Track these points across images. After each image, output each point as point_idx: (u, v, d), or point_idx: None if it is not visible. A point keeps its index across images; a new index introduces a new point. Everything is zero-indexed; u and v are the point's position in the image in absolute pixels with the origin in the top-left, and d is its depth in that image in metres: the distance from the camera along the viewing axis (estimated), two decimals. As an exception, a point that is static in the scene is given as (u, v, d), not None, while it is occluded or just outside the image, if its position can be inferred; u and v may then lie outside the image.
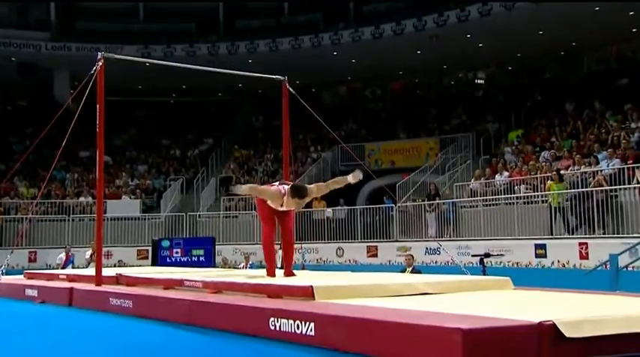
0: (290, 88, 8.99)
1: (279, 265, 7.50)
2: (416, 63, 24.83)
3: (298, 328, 4.56)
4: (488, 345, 3.59)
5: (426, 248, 16.26)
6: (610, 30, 20.54)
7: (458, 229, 16.89)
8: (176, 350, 4.84)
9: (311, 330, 4.47)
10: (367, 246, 17.92)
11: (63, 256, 15.90)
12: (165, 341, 5.18)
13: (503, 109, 23.36)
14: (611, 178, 14.36)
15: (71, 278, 8.61)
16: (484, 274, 10.11)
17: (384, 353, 3.97)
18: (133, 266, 15.93)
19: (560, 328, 3.70)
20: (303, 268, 13.04)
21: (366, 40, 23.07)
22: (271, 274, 6.88)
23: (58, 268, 14.86)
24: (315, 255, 18.20)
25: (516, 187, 16.35)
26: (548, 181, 15.13)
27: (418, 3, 22.60)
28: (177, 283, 6.81)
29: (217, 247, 17.74)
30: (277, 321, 4.75)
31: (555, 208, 14.51)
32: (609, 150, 15.42)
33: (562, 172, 15.13)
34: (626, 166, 14.27)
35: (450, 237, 16.70)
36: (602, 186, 14.01)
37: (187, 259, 16.74)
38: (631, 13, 19.45)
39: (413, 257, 12.52)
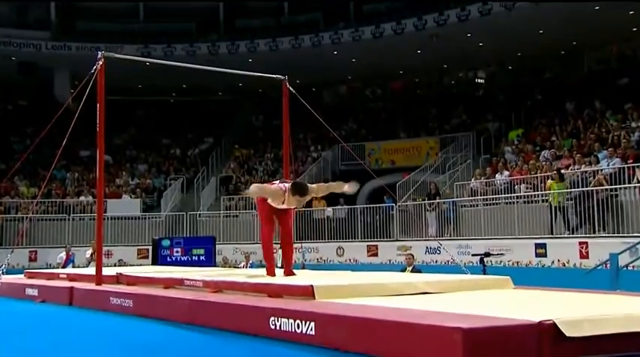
0: (290, 88, 8.98)
1: (278, 265, 7.49)
2: (416, 62, 24.83)
3: (298, 327, 4.56)
4: (488, 344, 3.59)
5: (427, 247, 16.27)
6: (610, 29, 20.54)
7: (458, 228, 16.90)
8: (176, 349, 4.84)
9: (311, 329, 4.47)
10: (367, 245, 17.92)
11: (63, 255, 15.90)
12: (165, 340, 5.18)
13: (503, 108, 23.36)
14: (612, 177, 14.36)
15: (71, 277, 8.61)
16: (484, 274, 10.11)
17: (384, 352, 3.97)
18: (133, 265, 15.94)
19: (560, 327, 3.70)
20: (304, 267, 13.06)
21: (366, 39, 23.07)
22: (271, 273, 6.89)
23: (58, 268, 14.86)
24: (316, 254, 18.20)
25: (516, 186, 16.36)
26: (549, 181, 15.13)
27: (418, 2, 22.59)
28: (178, 283, 6.81)
29: (218, 247, 17.73)
30: (277, 320, 4.75)
31: (555, 208, 14.51)
32: (609, 149, 15.43)
33: (562, 171, 15.12)
34: (626, 166, 14.27)
35: (450, 236, 16.71)
36: (603, 185, 14.01)
37: (188, 259, 16.74)
38: (631, 12, 19.44)
39: (413, 256, 12.52)
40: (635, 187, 13.66)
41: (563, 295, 5.59)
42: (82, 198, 21.23)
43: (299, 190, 6.67)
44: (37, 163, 22.39)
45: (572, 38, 21.89)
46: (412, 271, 11.28)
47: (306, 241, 17.37)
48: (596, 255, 12.79)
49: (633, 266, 11.70)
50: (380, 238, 17.98)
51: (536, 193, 15.64)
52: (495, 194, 16.60)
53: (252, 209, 18.91)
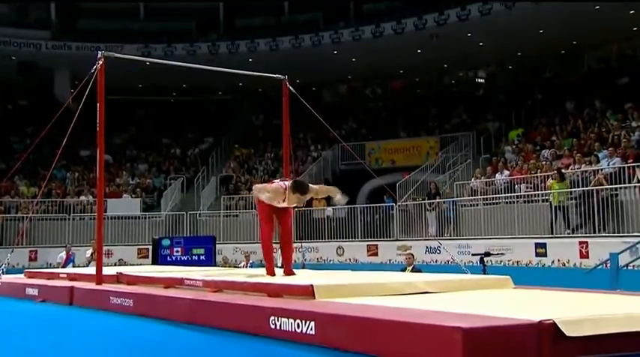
0: (290, 87, 8.98)
1: (278, 265, 7.50)
2: (416, 62, 24.84)
3: (298, 327, 4.56)
4: (488, 344, 3.59)
5: (427, 247, 16.27)
6: (610, 29, 20.54)
7: (458, 228, 16.90)
8: (176, 349, 4.84)
9: (311, 329, 4.47)
10: (367, 245, 17.93)
11: (63, 255, 15.90)
12: (165, 340, 5.18)
13: (503, 108, 23.36)
14: (612, 176, 14.36)
15: (72, 277, 8.61)
16: (484, 273, 10.12)
17: (384, 352, 3.97)
18: (133, 265, 15.94)
19: (560, 327, 3.70)
20: (304, 267, 13.05)
21: (366, 39, 23.08)
22: (271, 272, 6.90)
23: (58, 267, 14.87)
24: (316, 254, 18.21)
25: (517, 186, 16.36)
26: (550, 180, 15.14)
27: (418, 2, 22.59)
28: (178, 282, 6.81)
29: (218, 246, 17.75)
30: (278, 320, 4.75)
31: (556, 207, 14.51)
32: (610, 149, 15.44)
33: (563, 171, 15.12)
34: (626, 165, 14.27)
35: (450, 236, 16.71)
36: (603, 185, 14.01)
37: (188, 258, 16.75)
38: (631, 11, 19.45)
39: (413, 256, 12.51)
40: (635, 186, 13.66)
41: (563, 295, 5.60)
42: (82, 197, 21.23)
43: (299, 188, 6.69)
44: (37, 163, 22.39)
45: (572, 38, 21.90)
46: (412, 271, 11.27)
47: (306, 241, 17.38)
48: (596, 254, 12.79)
49: (633, 266, 11.69)
50: (380, 237, 17.99)
51: (536, 192, 15.64)
52: (495, 194, 16.60)
53: (252, 209, 18.91)
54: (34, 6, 26.47)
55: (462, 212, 17.07)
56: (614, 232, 13.38)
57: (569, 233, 14.21)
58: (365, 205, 19.35)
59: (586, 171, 14.99)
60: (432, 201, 17.60)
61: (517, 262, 14.50)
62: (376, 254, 17.66)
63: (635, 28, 20.93)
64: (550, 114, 20.83)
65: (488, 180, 17.47)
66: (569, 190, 14.65)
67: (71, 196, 21.46)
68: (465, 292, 5.74)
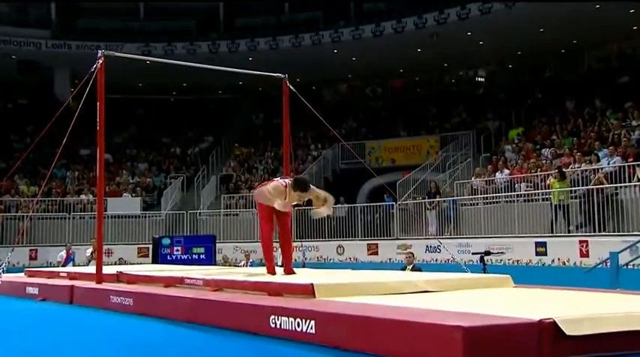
0: (290, 86, 8.98)
1: (279, 263, 7.51)
2: (416, 61, 24.83)
3: (299, 325, 4.56)
4: (488, 343, 3.59)
5: (427, 246, 16.27)
6: (611, 28, 20.53)
7: (458, 226, 16.90)
8: (177, 348, 4.84)
9: (311, 328, 4.48)
10: (368, 244, 17.93)
11: (63, 253, 15.91)
12: (165, 339, 5.18)
13: (503, 107, 23.35)
14: (612, 176, 14.36)
15: (72, 276, 8.61)
16: (484, 272, 10.12)
17: (384, 351, 3.97)
18: (133, 264, 15.94)
19: (560, 325, 3.71)
20: (304, 266, 13.05)
21: (366, 38, 23.07)
22: (271, 271, 6.91)
23: (58, 266, 14.87)
24: (316, 253, 18.21)
25: (517, 184, 16.36)
26: (551, 179, 15.14)
27: (419, 1, 22.57)
28: (178, 281, 6.81)
29: (218, 245, 17.77)
30: (278, 319, 4.75)
31: (556, 206, 14.51)
32: (610, 148, 15.44)
33: (563, 170, 15.12)
34: (626, 164, 14.27)
35: (450, 235, 16.71)
36: (603, 184, 14.01)
37: (188, 257, 16.77)
38: (632, 10, 19.44)
39: (413, 255, 12.50)
40: (635, 185, 13.66)
41: (563, 294, 5.60)
42: (82, 196, 21.23)
43: (300, 185, 6.72)
44: (38, 162, 22.39)
45: (572, 37, 21.88)
46: (412, 270, 11.26)
47: (306, 240, 17.37)
48: (596, 253, 12.78)
49: (633, 265, 11.69)
50: (380, 236, 17.99)
51: (536, 191, 15.64)
52: (495, 193, 16.60)
53: (252, 208, 18.91)
54: (35, 5, 26.46)
55: (462, 211, 17.07)
56: (614, 231, 13.37)
57: (572, 231, 14.17)
58: (365, 204, 19.35)
59: (586, 170, 14.99)
60: (432, 200, 17.60)
61: (517, 261, 14.50)
62: (376, 253, 17.66)
63: (635, 27, 20.92)
64: (550, 113, 20.82)
65: (488, 179, 17.47)
66: (570, 188, 14.65)
67: (71, 195, 21.46)
68: (465, 291, 5.74)
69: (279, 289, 5.65)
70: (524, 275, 9.11)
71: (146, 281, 7.35)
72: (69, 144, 9.88)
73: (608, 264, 11.54)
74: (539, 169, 16.46)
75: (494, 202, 16.34)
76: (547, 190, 15.12)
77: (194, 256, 16.89)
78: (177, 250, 16.98)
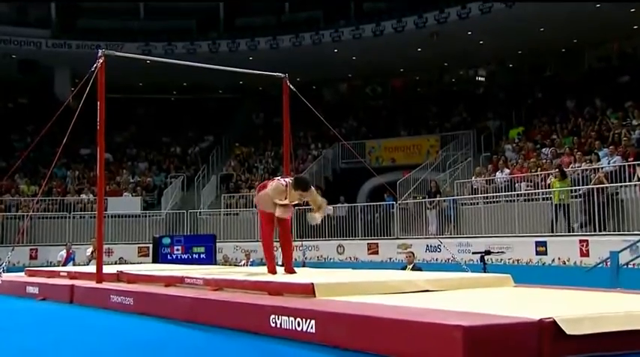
0: (290, 86, 8.98)
1: (279, 263, 7.52)
2: (417, 60, 24.82)
3: (299, 325, 4.57)
4: (488, 342, 3.59)
5: (427, 245, 16.27)
6: (611, 27, 20.53)
7: (458, 226, 16.89)
8: (177, 347, 4.84)
9: (312, 327, 4.48)
10: (368, 243, 17.92)
11: (64, 253, 15.92)
12: (166, 338, 5.18)
13: (503, 106, 23.35)
14: (612, 175, 14.35)
15: (72, 275, 8.61)
16: (485, 272, 10.11)
17: (384, 350, 3.97)
18: (133, 263, 15.95)
19: (560, 325, 3.71)
20: (304, 265, 13.05)
21: (366, 37, 23.07)
22: (271, 271, 6.91)
23: (58, 266, 14.88)
24: (316, 252, 18.20)
25: (517, 184, 16.35)
26: (551, 178, 15.13)
27: (419, 0, 22.57)
28: (178, 281, 6.81)
29: (218, 245, 17.77)
30: (278, 318, 4.75)
31: (556, 206, 14.51)
32: (610, 147, 15.44)
33: (564, 169, 15.12)
34: (626, 164, 14.26)
35: (450, 234, 16.71)
36: (603, 183, 14.00)
37: (188, 257, 16.77)
38: (632, 10, 19.43)
39: (413, 254, 12.52)
40: (635, 185, 13.65)
41: (563, 293, 5.61)
42: (82, 196, 21.23)
43: (301, 184, 6.73)
44: (38, 161, 22.40)
45: (572, 36, 21.88)
46: (413, 269, 11.26)
47: (306, 239, 17.36)
48: (596, 253, 12.78)
49: (634, 264, 11.69)
50: (380, 236, 17.99)
51: (536, 191, 15.64)
52: (496, 192, 16.59)
53: (252, 207, 18.91)
54: (35, 5, 26.44)
55: (463, 211, 17.06)
56: (615, 231, 13.37)
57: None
58: (365, 204, 19.35)
59: (586, 169, 14.99)
60: (432, 199, 17.60)
61: (517, 260, 14.49)
62: (377, 253, 17.66)
63: (635, 27, 20.91)
64: (550, 112, 20.82)
65: (488, 178, 17.46)
66: (571, 188, 14.64)
67: (71, 194, 21.46)
68: (466, 290, 5.74)
69: (280, 288, 5.65)
70: (525, 275, 9.11)
71: (146, 281, 7.35)
72: (69, 143, 9.88)
73: (609, 263, 11.54)
74: (539, 169, 16.45)
75: (494, 202, 16.33)
76: (547, 190, 15.12)
77: (194, 255, 16.89)
78: (178, 250, 16.98)
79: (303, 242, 16.11)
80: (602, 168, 14.69)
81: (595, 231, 13.71)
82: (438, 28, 21.91)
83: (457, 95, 25.81)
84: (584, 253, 13.33)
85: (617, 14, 19.53)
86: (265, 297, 5.50)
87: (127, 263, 16.37)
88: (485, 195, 16.74)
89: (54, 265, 15.49)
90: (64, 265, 15.11)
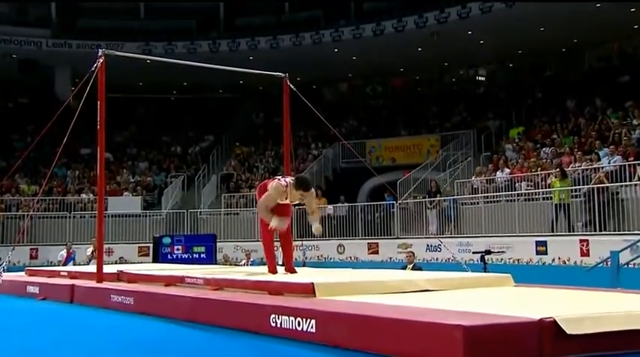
0: (291, 85, 8.98)
1: (279, 262, 7.52)
2: (417, 60, 24.82)
3: (299, 325, 4.57)
4: (489, 341, 3.59)
5: (427, 245, 16.27)
6: (611, 27, 20.52)
7: (459, 226, 16.89)
8: (177, 347, 4.84)
9: (312, 327, 4.48)
10: (368, 243, 17.92)
11: (64, 253, 15.92)
12: (166, 338, 5.18)
13: (504, 106, 23.34)
14: (612, 174, 14.35)
15: (72, 275, 8.62)
16: (485, 271, 10.11)
17: (385, 350, 3.98)
18: (134, 263, 15.95)
19: (561, 324, 3.71)
20: (304, 265, 13.06)
21: (366, 36, 23.07)
22: (272, 270, 6.91)
23: (59, 265, 14.88)
24: (316, 252, 18.20)
25: (517, 183, 16.35)
26: (552, 178, 15.12)
27: (419, 0, 22.57)
28: (179, 280, 6.82)
29: (218, 244, 17.76)
30: (278, 318, 4.75)
31: (556, 205, 14.50)
32: (610, 147, 15.44)
33: (565, 169, 15.12)
34: (627, 163, 14.26)
35: (450, 234, 16.71)
36: (603, 183, 14.00)
37: (188, 256, 16.76)
38: (632, 9, 19.42)
39: (414, 254, 12.52)
40: (635, 184, 13.65)
41: (563, 293, 5.61)
42: (82, 196, 21.23)
43: (302, 184, 6.74)
44: (38, 161, 22.39)
45: (572, 36, 21.87)
46: (413, 269, 11.26)
47: (306, 239, 17.35)
48: (596, 252, 12.77)
49: (634, 264, 11.69)
50: (380, 235, 17.98)
51: (536, 190, 15.63)
52: (496, 192, 16.59)
53: (252, 207, 18.91)
54: (35, 5, 26.45)
55: (463, 210, 17.06)
56: (615, 230, 13.36)
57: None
58: (365, 203, 19.35)
59: (587, 169, 14.99)
60: (432, 199, 17.60)
61: (518, 260, 14.49)
62: (377, 252, 17.65)
63: (635, 27, 20.90)
64: (551, 112, 20.81)
65: (488, 178, 17.46)
66: (571, 188, 14.64)
67: (72, 194, 21.46)
68: (466, 290, 5.75)
69: (280, 288, 5.65)
70: (525, 274, 9.12)
71: (147, 280, 7.35)
72: (69, 143, 9.88)
73: (609, 263, 11.53)
74: (539, 169, 16.45)
75: (494, 201, 16.33)
76: (547, 190, 15.12)
77: (195, 255, 16.89)
78: (178, 249, 16.97)
79: (304, 242, 16.11)
80: (602, 168, 14.69)
81: (595, 231, 13.71)
82: (439, 28, 21.91)
83: (457, 95, 25.81)
84: (585, 253, 13.33)
85: (618, 14, 19.53)
86: (265, 297, 5.50)
87: (128, 263, 16.38)
88: (486, 195, 16.74)
89: (54, 265, 15.50)
90: (65, 264, 15.11)
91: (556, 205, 14.52)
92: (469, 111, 24.11)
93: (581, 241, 13.54)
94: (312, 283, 5.26)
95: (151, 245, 18.19)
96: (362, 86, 29.25)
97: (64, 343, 5.01)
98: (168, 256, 16.66)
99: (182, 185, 23.13)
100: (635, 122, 16.80)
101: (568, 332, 3.70)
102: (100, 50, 8.14)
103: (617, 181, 14.09)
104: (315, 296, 5.16)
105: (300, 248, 15.59)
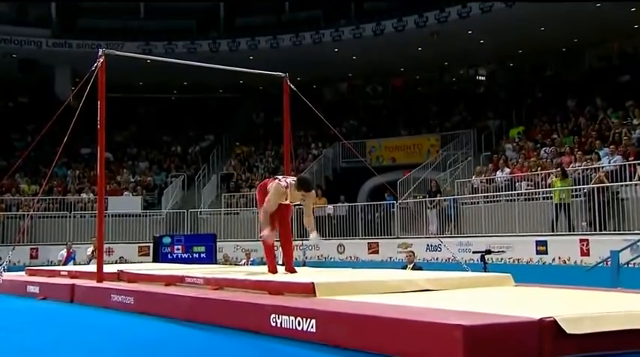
0: (291, 85, 8.98)
1: (279, 262, 7.52)
2: (417, 59, 24.82)
3: (299, 324, 4.57)
4: (489, 341, 3.59)
5: (427, 245, 16.26)
6: (611, 26, 20.52)
7: (459, 225, 16.89)
8: (177, 347, 4.84)
9: (312, 327, 4.48)
10: (368, 243, 17.92)
11: (64, 252, 15.91)
12: (166, 338, 5.18)
13: (504, 105, 23.34)
14: (613, 174, 14.35)
15: (73, 275, 8.62)
16: (485, 271, 10.11)
17: (385, 350, 3.98)
18: (134, 263, 15.95)
19: (561, 324, 3.71)
20: (304, 264, 13.07)
21: (367, 36, 23.07)
22: (272, 270, 6.92)
23: (59, 265, 14.88)
24: (316, 252, 18.20)
25: (517, 183, 16.34)
26: (552, 178, 15.12)
27: (419, -1, 22.61)
28: (179, 280, 6.82)
29: (218, 244, 17.76)
30: (278, 317, 4.75)
31: (557, 205, 14.50)
32: (611, 146, 15.44)
33: (565, 168, 15.12)
34: (627, 163, 14.26)
35: (451, 234, 16.70)
36: (603, 182, 14.00)
37: (188, 256, 16.76)
38: (632, 9, 19.42)
39: (414, 254, 12.52)
40: (636, 184, 13.65)
41: (563, 293, 5.61)
42: (83, 195, 21.23)
43: (304, 185, 6.74)
44: (38, 161, 22.40)
45: (573, 35, 21.87)
46: (413, 269, 11.26)
47: (307, 239, 17.32)
48: (597, 252, 12.77)
49: (634, 264, 11.69)
50: (381, 235, 17.98)
51: (537, 190, 15.63)
52: (496, 191, 16.59)
53: (252, 206, 18.91)
54: (35, 4, 26.45)
55: (463, 210, 17.06)
56: (615, 230, 13.36)
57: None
58: (366, 203, 19.34)
59: (587, 168, 14.99)
60: (432, 199, 17.60)
61: (518, 259, 14.49)
62: (377, 252, 17.65)
63: (636, 26, 20.90)
64: (551, 112, 20.81)
65: (489, 178, 17.46)
66: (572, 187, 14.64)
67: (72, 193, 21.46)
68: (466, 289, 5.74)
69: (280, 287, 5.65)
70: (525, 274, 9.11)
71: (147, 280, 7.36)
72: (70, 143, 9.89)
73: (609, 263, 11.53)
74: (539, 168, 16.45)
75: (494, 201, 16.33)
76: (547, 189, 15.12)
77: (195, 254, 16.89)
78: (178, 249, 16.97)
79: (304, 242, 16.11)
80: (602, 167, 14.68)
81: (596, 230, 13.71)
82: (439, 28, 21.91)
83: (457, 94, 25.81)
84: (585, 253, 13.32)
85: (618, 13, 19.53)
86: (266, 296, 5.50)
87: (128, 262, 16.40)
88: (486, 194, 16.74)
89: (54, 265, 15.50)
90: (65, 264, 15.11)
91: (556, 204, 14.52)
92: (469, 111, 24.11)
93: (581, 240, 13.54)
94: (313, 283, 5.26)
95: (151, 245, 18.19)
96: (362, 86, 29.26)
97: (64, 343, 5.01)
98: (169, 256, 16.67)
99: (182, 185, 23.14)
100: (635, 122, 16.79)
101: (568, 332, 3.70)
102: (100, 50, 8.14)
103: (617, 181, 14.09)
104: (315, 296, 5.16)
105: (301, 248, 15.60)
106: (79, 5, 26.80)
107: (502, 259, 14.05)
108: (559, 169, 15.22)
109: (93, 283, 7.59)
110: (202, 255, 16.89)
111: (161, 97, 29.20)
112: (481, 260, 11.13)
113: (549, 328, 3.70)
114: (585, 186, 14.34)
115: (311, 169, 22.20)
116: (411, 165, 21.09)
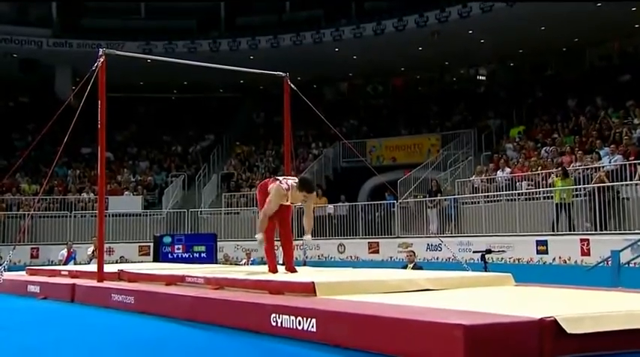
0: (291, 85, 8.98)
1: (280, 262, 7.53)
2: (417, 59, 24.81)
3: (300, 324, 4.57)
4: (489, 341, 3.59)
5: (428, 244, 16.26)
6: (612, 26, 20.52)
7: (459, 225, 16.89)
8: (178, 346, 4.84)
9: (312, 326, 4.48)
10: (368, 242, 17.92)
11: (65, 252, 15.91)
12: (166, 337, 5.18)
13: (504, 105, 23.34)
14: (613, 174, 14.35)
15: (73, 274, 8.63)
16: (485, 271, 10.11)
17: (385, 349, 3.98)
18: (134, 262, 15.95)
19: (561, 324, 3.71)
20: (305, 264, 13.07)
21: (367, 36, 23.06)
22: (272, 270, 6.92)
23: (60, 265, 14.88)
24: (317, 251, 18.21)
25: (518, 183, 16.34)
26: (553, 177, 15.12)
27: (419, -1, 22.60)
28: (179, 280, 6.82)
29: (219, 244, 17.76)
30: (279, 317, 4.75)
31: (557, 205, 14.50)
32: (611, 146, 15.43)
33: (566, 168, 15.11)
34: (627, 163, 14.25)
35: (451, 233, 16.70)
36: (604, 182, 14.00)
37: (189, 256, 16.75)
38: (633, 9, 19.41)
39: (414, 253, 12.51)
40: (636, 184, 13.64)
41: (564, 292, 5.60)
42: (83, 195, 21.24)
43: (306, 186, 6.75)
44: (39, 160, 22.40)
45: (573, 35, 21.86)
46: (413, 268, 11.26)
47: (301, 239, 17.37)
48: (597, 252, 12.76)
49: (635, 263, 11.69)
50: (381, 235, 17.98)
51: (537, 190, 15.63)
52: (497, 191, 16.58)
53: (253, 206, 18.91)
54: (36, 4, 26.46)
55: (463, 210, 17.06)
56: (616, 230, 13.36)
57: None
58: (366, 203, 19.34)
59: (587, 168, 14.98)
60: (433, 198, 17.60)
61: (518, 259, 14.49)
62: (377, 252, 17.65)
63: (636, 26, 20.89)
64: (551, 111, 20.81)
65: (489, 177, 17.46)
66: (572, 187, 14.64)
67: (72, 193, 21.47)
68: (466, 289, 5.74)
69: (280, 287, 5.65)
70: (526, 274, 9.11)
71: (147, 279, 7.36)
72: (70, 142, 9.88)
73: (610, 262, 11.53)
74: (540, 168, 16.44)
75: (495, 201, 16.33)
76: (548, 189, 15.12)
77: (195, 254, 16.88)
78: (179, 249, 16.97)
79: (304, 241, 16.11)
80: (603, 167, 14.68)
81: (596, 230, 13.70)
82: (439, 27, 21.90)
83: (458, 94, 25.81)
84: (585, 252, 13.32)
85: (618, 13, 19.51)
86: (266, 296, 5.50)
87: (128, 262, 16.41)
88: (486, 194, 16.74)
89: (55, 264, 15.51)
90: (65, 264, 15.11)
91: (557, 204, 14.52)
92: (470, 110, 24.11)
93: (581, 240, 13.53)
94: (313, 283, 5.26)
95: (151, 244, 18.19)
96: (362, 85, 29.26)
97: (64, 342, 5.02)
98: (169, 256, 16.66)
99: (182, 184, 23.14)
100: (635, 121, 16.79)
101: (568, 331, 3.70)
102: (101, 49, 8.14)
103: (617, 181, 14.08)
104: (315, 295, 5.17)
105: (301, 247, 15.59)
106: (79, 5, 26.79)
107: (502, 258, 14.05)
108: (560, 168, 15.21)
109: (93, 283, 7.59)
110: (203, 255, 16.88)
111: (161, 96, 29.21)
112: (481, 260, 11.13)
113: (550, 327, 3.70)
114: (586, 186, 14.34)
115: (311, 169, 22.20)
116: (411, 164, 21.09)
